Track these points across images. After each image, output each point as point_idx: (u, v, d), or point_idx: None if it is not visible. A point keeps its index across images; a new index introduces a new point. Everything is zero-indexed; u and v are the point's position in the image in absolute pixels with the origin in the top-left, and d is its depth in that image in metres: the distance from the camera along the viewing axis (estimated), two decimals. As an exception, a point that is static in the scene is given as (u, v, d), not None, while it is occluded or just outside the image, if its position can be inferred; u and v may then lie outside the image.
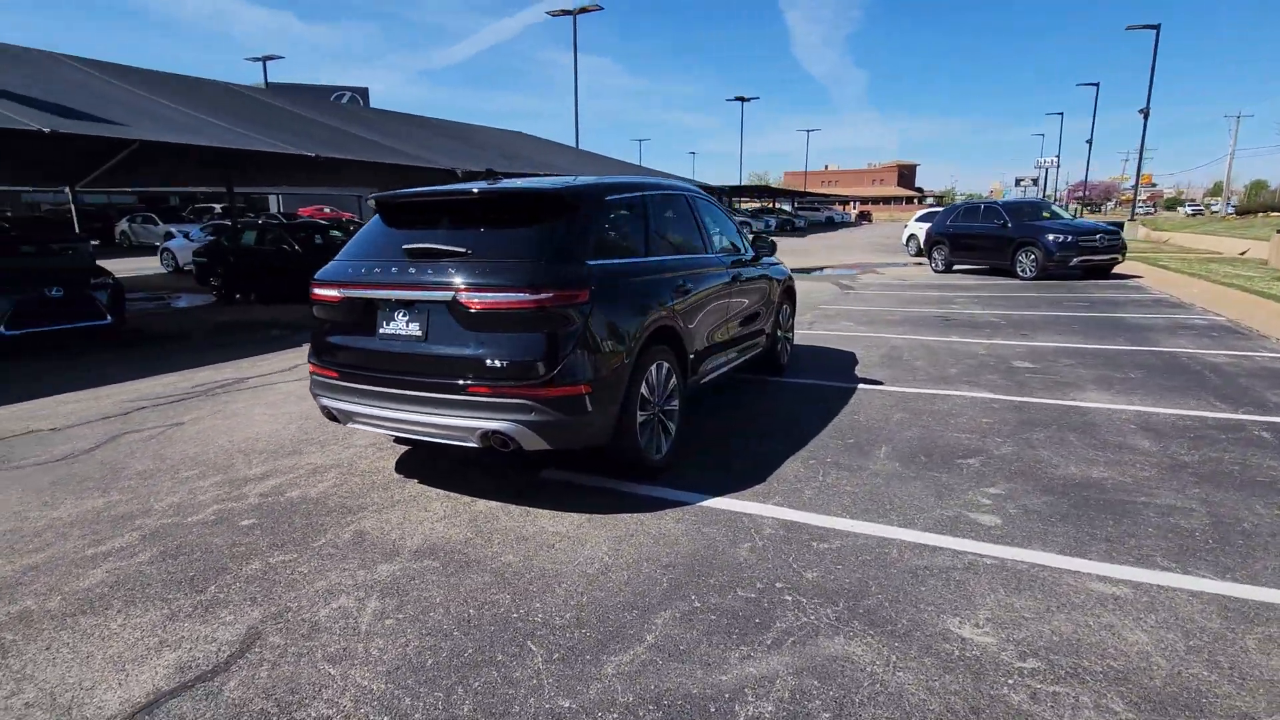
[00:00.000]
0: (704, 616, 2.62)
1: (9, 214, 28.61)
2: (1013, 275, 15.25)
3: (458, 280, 3.35)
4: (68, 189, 17.37)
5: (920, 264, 19.50)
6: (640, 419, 3.81)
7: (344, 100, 45.44)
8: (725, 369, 5.09)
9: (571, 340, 3.34)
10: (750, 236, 5.85)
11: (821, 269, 18.99)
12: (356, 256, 3.79)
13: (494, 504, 3.67)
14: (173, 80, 13.94)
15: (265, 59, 33.89)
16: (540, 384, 3.30)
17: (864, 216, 71.96)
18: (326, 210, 39.15)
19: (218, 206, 30.21)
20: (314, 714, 2.13)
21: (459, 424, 3.38)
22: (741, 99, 45.43)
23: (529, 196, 3.65)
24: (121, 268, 19.09)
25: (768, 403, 5.59)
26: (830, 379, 6.35)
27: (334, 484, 3.99)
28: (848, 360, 7.16)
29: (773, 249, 5.91)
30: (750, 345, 5.68)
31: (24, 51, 11.98)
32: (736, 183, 51.11)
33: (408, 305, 3.50)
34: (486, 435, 3.35)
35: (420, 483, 4.00)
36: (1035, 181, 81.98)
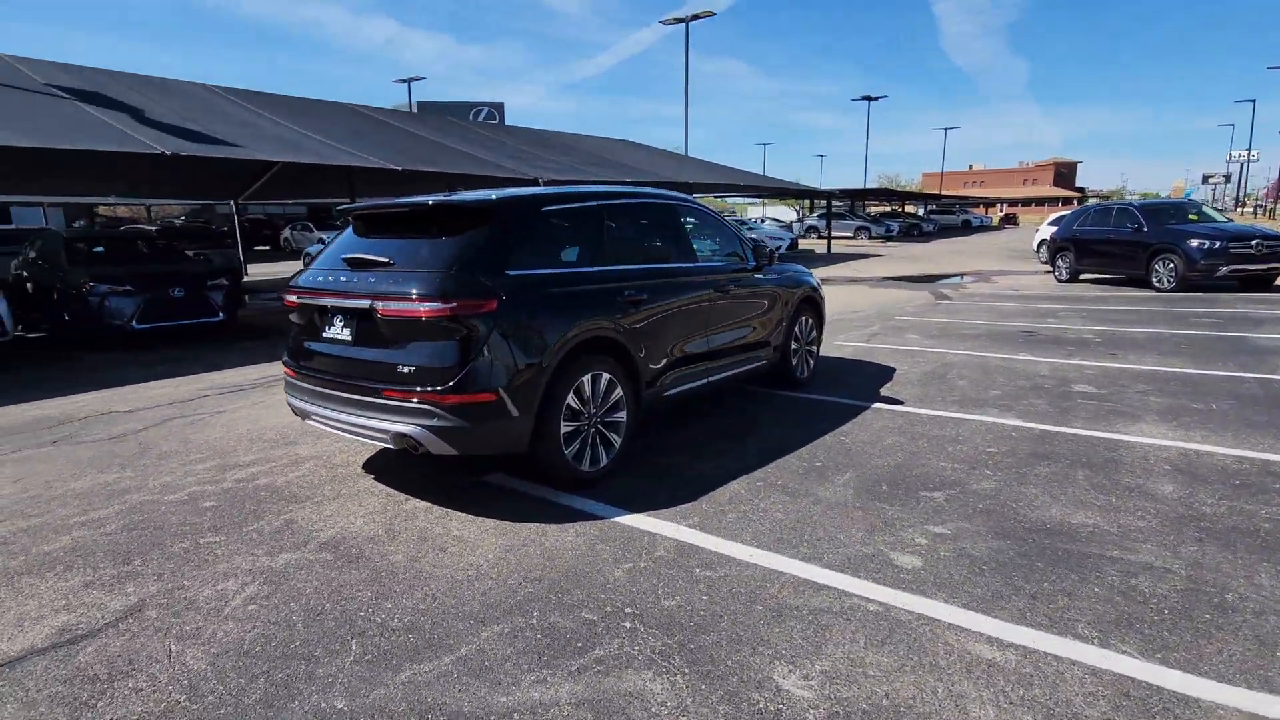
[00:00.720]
0: (529, 635, 2.58)
1: (200, 221, 33.23)
2: (1147, 286, 13.45)
3: (377, 288, 3.52)
4: (232, 202, 19.98)
5: (1049, 272, 17.71)
6: (567, 429, 3.80)
7: (481, 115, 48.62)
8: (703, 382, 4.92)
9: (476, 349, 3.41)
10: (750, 246, 5.61)
11: (931, 277, 17.75)
12: (319, 265, 4.09)
13: (422, 504, 3.82)
14: (305, 104, 15.57)
15: (409, 80, 36.97)
16: (444, 390, 3.39)
17: (1009, 220, 66.21)
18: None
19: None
20: (130, 686, 2.35)
21: (377, 425, 3.55)
22: (869, 98, 43.32)
23: (455, 208, 3.75)
24: (277, 270, 21.71)
25: (756, 417, 5.35)
26: (846, 396, 5.95)
27: (303, 474, 4.32)
28: (882, 377, 6.67)
29: (771, 258, 5.64)
30: (748, 358, 5.47)
31: (187, 84, 13.89)
32: (861, 185, 48.87)
33: (342, 312, 3.73)
34: (399, 437, 3.49)
35: (375, 479, 4.23)
36: (1227, 179, 71.44)
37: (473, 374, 3.40)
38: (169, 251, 10.38)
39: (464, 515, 3.65)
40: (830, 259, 23.62)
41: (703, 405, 5.63)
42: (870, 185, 55.39)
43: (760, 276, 5.54)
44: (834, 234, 35.70)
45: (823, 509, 3.64)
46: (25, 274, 9.95)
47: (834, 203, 35.29)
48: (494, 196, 3.81)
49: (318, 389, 3.87)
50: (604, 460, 4.06)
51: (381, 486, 4.09)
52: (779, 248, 23.50)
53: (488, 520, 3.59)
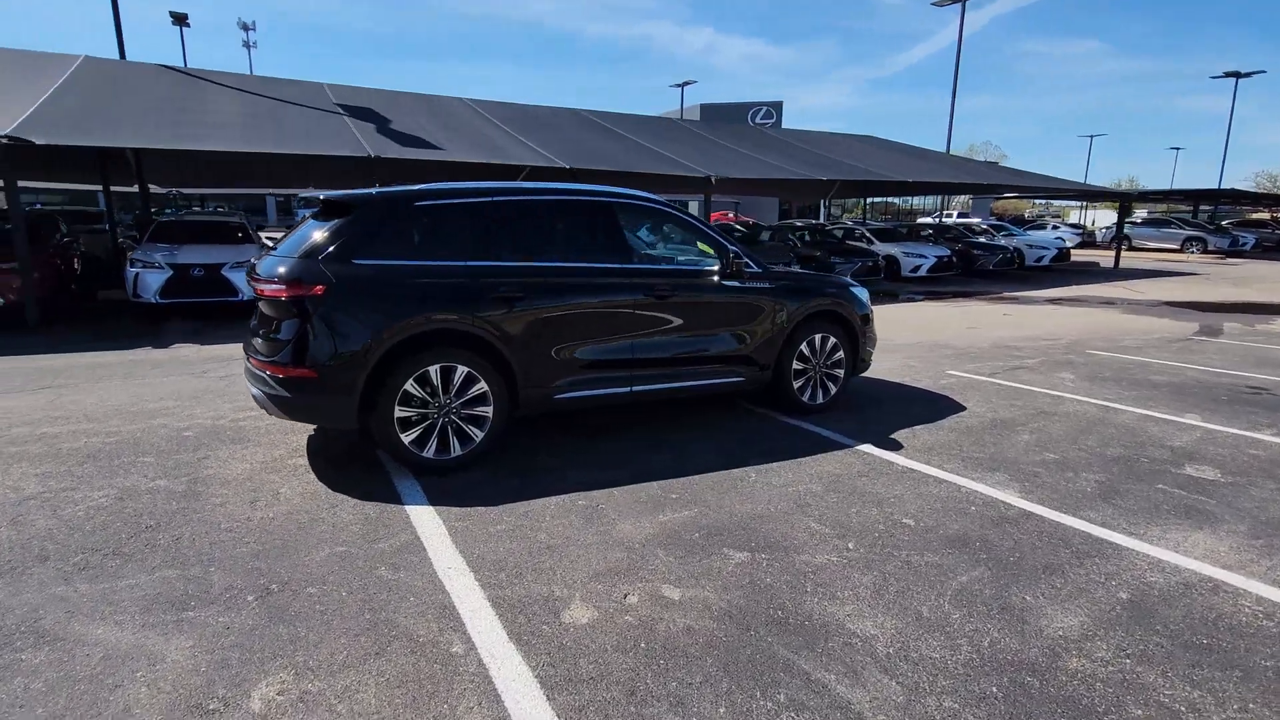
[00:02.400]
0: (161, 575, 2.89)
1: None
2: None
3: (261, 271, 4.09)
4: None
5: None
6: (405, 414, 3.98)
7: (759, 115, 49.13)
8: (623, 390, 4.65)
9: (303, 329, 3.78)
10: (730, 254, 5.03)
11: (1240, 307, 13.46)
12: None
13: (301, 462, 4.33)
14: (535, 111, 17.52)
15: (683, 85, 38.88)
16: (276, 363, 3.84)
17: None
18: (731, 215, 42.66)
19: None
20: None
21: (253, 391, 4.14)
22: (1236, 74, 33.11)
23: (338, 201, 4.13)
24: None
25: (689, 440, 4.83)
26: (843, 433, 5.05)
27: (274, 423, 5.14)
28: (927, 416, 5.48)
29: (739, 268, 4.95)
30: (712, 372, 4.99)
31: (448, 100, 16.63)
32: (1212, 184, 37.92)
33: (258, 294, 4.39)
34: (255, 399, 4.04)
35: (314, 432, 4.88)
36: None
37: (296, 350, 3.79)
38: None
39: (309, 477, 4.07)
40: (1104, 275, 19.22)
41: (643, 414, 5.29)
42: (1241, 185, 42.82)
43: (734, 284, 4.99)
44: (1152, 245, 28.92)
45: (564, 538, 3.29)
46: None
47: (1175, 209, 28.30)
48: (369, 191, 4.13)
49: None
50: (456, 450, 4.15)
51: (296, 440, 4.72)
52: (1041, 258, 19.98)
53: (312, 484, 3.96)
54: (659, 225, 5.15)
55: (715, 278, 4.95)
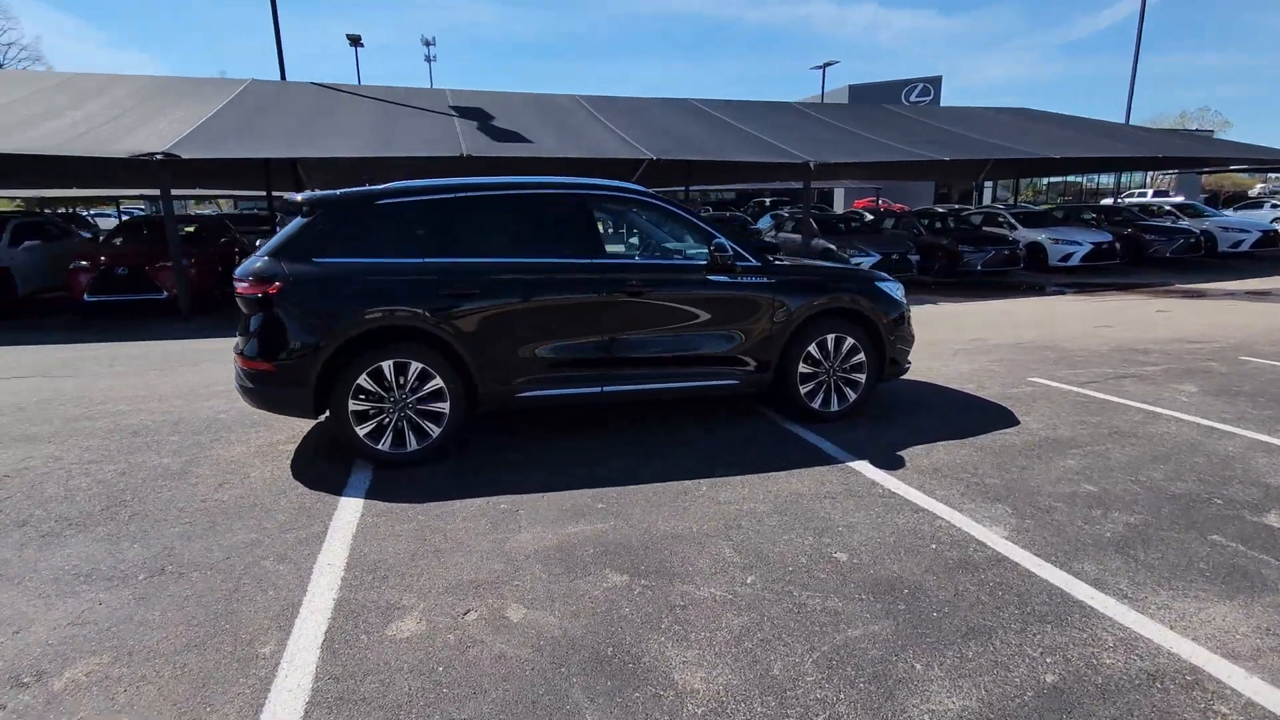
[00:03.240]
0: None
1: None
2: None
3: (235, 269, 4.37)
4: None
5: None
6: (360, 408, 4.09)
7: (914, 92, 45.83)
8: (594, 390, 4.45)
9: (262, 324, 4.01)
10: (724, 246, 4.62)
11: None
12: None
13: (291, 448, 4.60)
14: (635, 103, 17.47)
15: (824, 66, 36.91)
16: (243, 355, 4.10)
17: None
18: (880, 202, 40.10)
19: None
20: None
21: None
22: None
23: (308, 201, 4.30)
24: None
25: (665, 442, 4.51)
26: (844, 444, 4.50)
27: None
28: (965, 431, 4.73)
29: (729, 261, 4.53)
30: (701, 374, 4.67)
31: (559, 98, 17.09)
32: None
33: None
34: (238, 392, 4.35)
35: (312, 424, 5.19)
36: None
37: (257, 344, 4.02)
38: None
39: (278, 465, 4.33)
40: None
41: (649, 411, 5.02)
42: None
43: (721, 279, 4.60)
44: None
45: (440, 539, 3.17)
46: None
47: None
48: (320, 194, 4.28)
49: None
50: (413, 445, 4.20)
51: (291, 431, 5.03)
52: (1240, 243, 16.70)
53: (277, 475, 4.19)
54: (644, 217, 4.88)
55: (700, 272, 4.60)
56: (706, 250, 4.67)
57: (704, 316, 4.62)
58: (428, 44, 66.00)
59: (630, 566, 3.00)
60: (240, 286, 4.09)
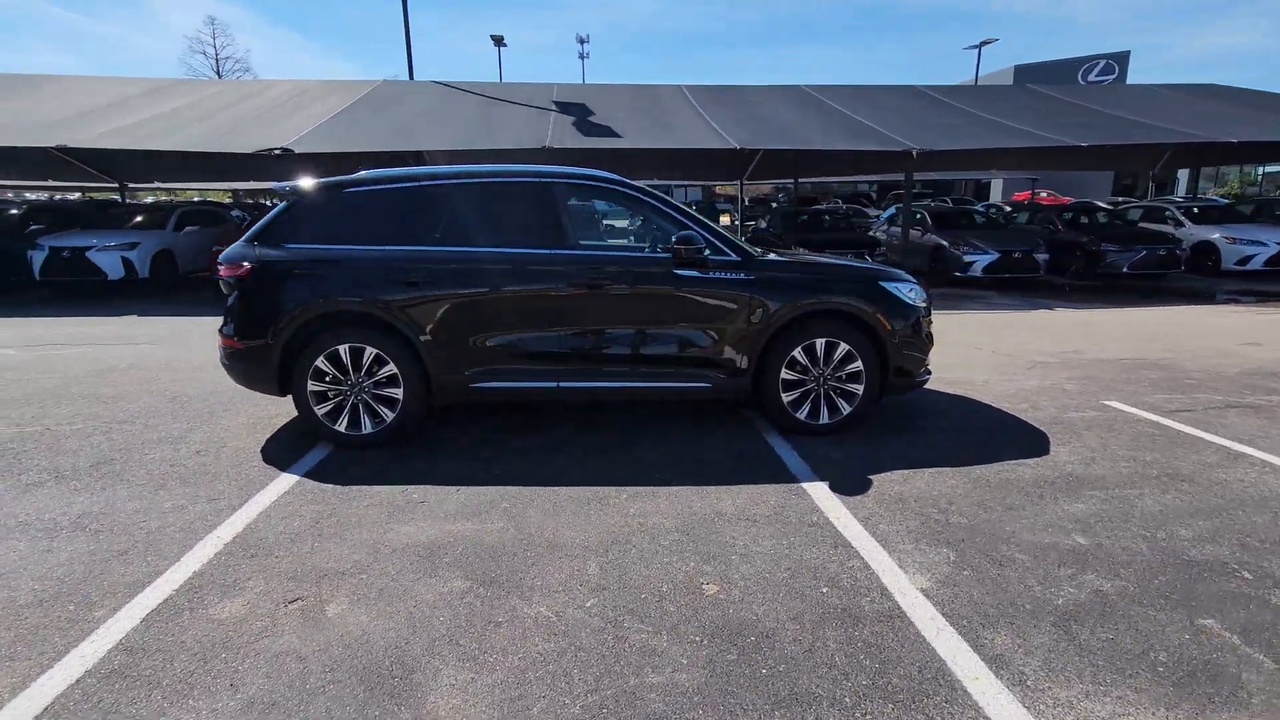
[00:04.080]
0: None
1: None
2: None
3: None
4: (739, 181, 23.33)
5: None
6: (316, 388, 4.23)
7: (1095, 70, 41.15)
8: (549, 385, 4.30)
9: (234, 304, 4.25)
10: (692, 239, 4.27)
11: None
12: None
13: (282, 422, 4.88)
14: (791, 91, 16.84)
15: (980, 45, 33.69)
16: (221, 333, 4.37)
17: None
18: (1044, 195, 36.16)
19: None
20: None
21: None
22: None
23: (292, 188, 4.48)
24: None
25: (619, 437, 4.25)
26: (811, 462, 4.02)
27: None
28: (977, 455, 4.07)
29: (697, 253, 4.16)
30: (668, 374, 4.39)
31: (651, 87, 16.94)
32: None
33: None
34: (227, 366, 4.66)
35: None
36: None
37: (230, 323, 4.28)
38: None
39: (258, 436, 4.59)
40: None
41: (638, 412, 4.77)
42: None
43: (691, 274, 4.27)
44: None
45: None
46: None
47: None
48: (311, 180, 4.43)
49: None
50: (367, 428, 4.30)
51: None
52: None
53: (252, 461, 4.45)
54: (618, 207, 4.63)
55: (666, 266, 4.29)
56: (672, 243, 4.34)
57: (670, 313, 4.32)
58: (581, 41, 68.22)
59: (481, 573, 2.85)
60: (220, 269, 4.38)
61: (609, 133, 12.61)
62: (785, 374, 4.41)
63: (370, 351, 4.22)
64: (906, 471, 3.89)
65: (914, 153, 11.42)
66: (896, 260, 15.53)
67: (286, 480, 3.84)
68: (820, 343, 4.39)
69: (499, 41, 34.25)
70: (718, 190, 40.11)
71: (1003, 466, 3.96)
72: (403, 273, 4.20)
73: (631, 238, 5.06)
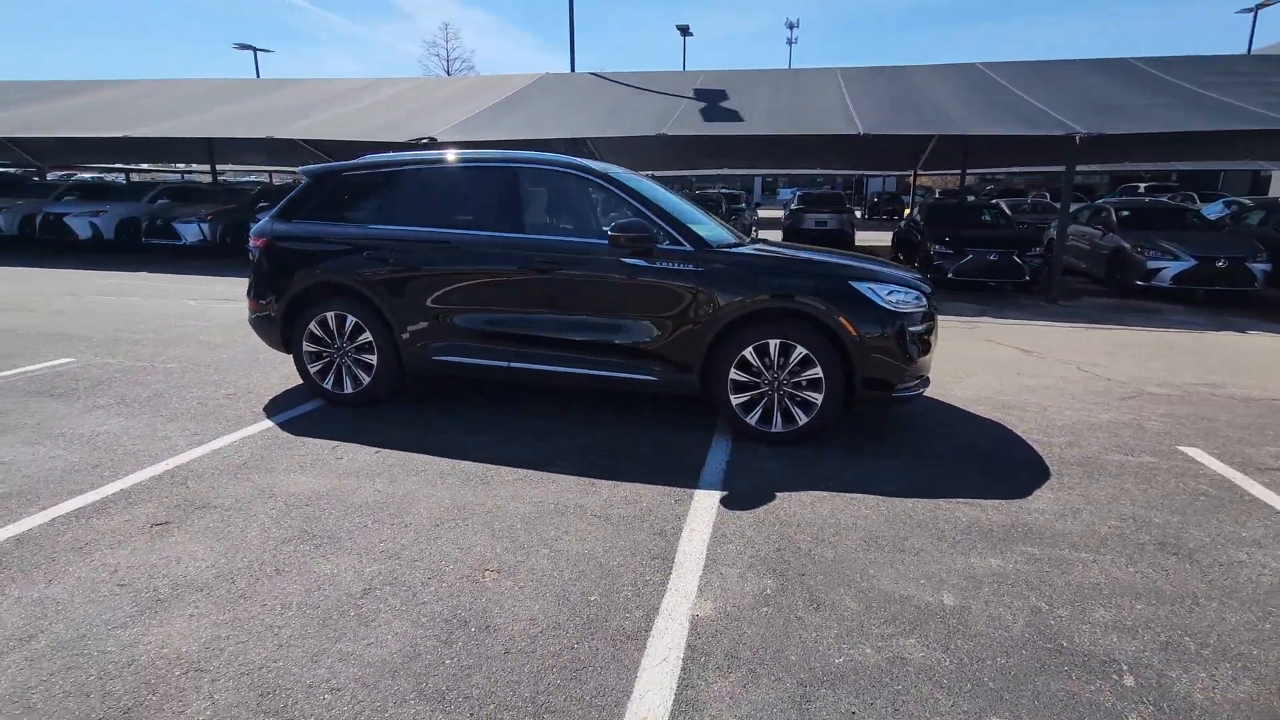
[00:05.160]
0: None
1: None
2: None
3: (255, 226, 5.32)
4: (911, 172, 21.56)
5: None
6: (309, 349, 4.76)
7: None
8: (500, 364, 4.42)
9: (254, 271, 4.89)
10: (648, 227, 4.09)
11: None
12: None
13: (308, 378, 5.53)
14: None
15: (1255, 8, 27.37)
16: (247, 295, 5.04)
17: None
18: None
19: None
20: (104, 380, 5.44)
21: None
22: None
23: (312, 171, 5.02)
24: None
25: (570, 424, 4.21)
26: (737, 470, 3.72)
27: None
28: (944, 488, 3.51)
29: (647, 242, 3.98)
30: (614, 365, 4.30)
31: (805, 71, 16.11)
32: None
33: None
34: (260, 324, 5.36)
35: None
36: None
37: (252, 287, 4.94)
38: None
39: (280, 371, 5.25)
40: None
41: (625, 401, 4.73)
42: None
43: (637, 263, 4.13)
44: None
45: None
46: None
47: None
48: (322, 164, 4.93)
49: None
50: (348, 388, 4.75)
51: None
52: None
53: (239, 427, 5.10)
54: (580, 192, 4.54)
55: (613, 253, 4.18)
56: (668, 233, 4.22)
57: (615, 302, 4.23)
58: (791, 27, 67.01)
59: (312, 528, 3.07)
60: (250, 240, 5.06)
61: (734, 118, 12.32)
62: (735, 374, 4.12)
63: (351, 320, 4.65)
64: (824, 494, 3.46)
65: (1076, 138, 9.74)
66: (1066, 263, 13.50)
67: (261, 426, 4.39)
68: (774, 344, 4.03)
69: (684, 31, 34.68)
70: (911, 181, 37.36)
71: (947, 504, 3.37)
72: (376, 250, 4.56)
73: (572, 221, 5.03)
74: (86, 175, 26.97)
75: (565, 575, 2.70)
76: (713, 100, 13.55)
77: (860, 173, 39.12)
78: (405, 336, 4.58)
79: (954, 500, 3.42)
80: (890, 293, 4.01)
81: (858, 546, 2.96)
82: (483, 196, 4.56)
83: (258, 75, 31.82)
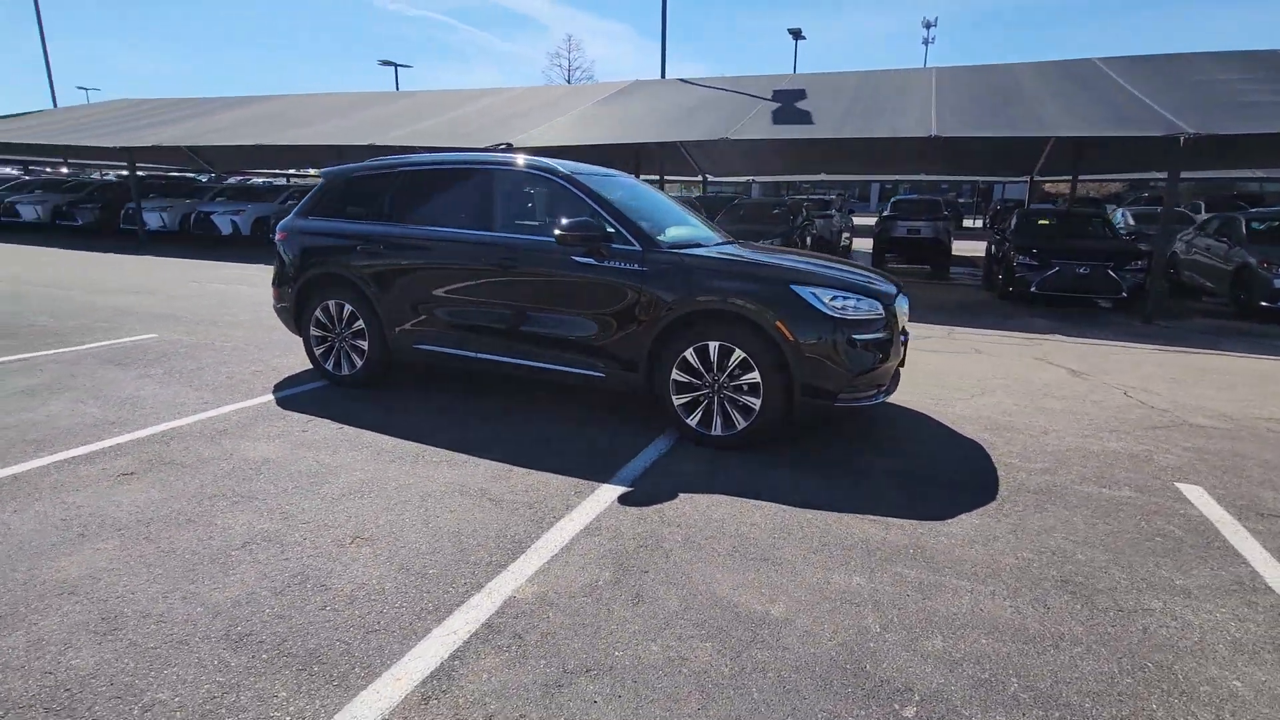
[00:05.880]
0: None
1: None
2: None
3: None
4: (1026, 177, 20.06)
5: None
6: (316, 333, 5.24)
7: None
8: (470, 355, 4.66)
9: (276, 261, 5.45)
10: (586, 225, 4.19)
11: None
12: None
13: (331, 361, 6.07)
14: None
15: None
16: (272, 285, 5.60)
17: None
18: None
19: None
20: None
21: None
22: None
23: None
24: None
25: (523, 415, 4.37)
26: (653, 469, 3.74)
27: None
28: (866, 504, 3.38)
29: (599, 242, 4.09)
30: (565, 359, 4.43)
31: (995, 66, 15.35)
32: None
33: None
34: (289, 311, 5.94)
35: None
36: None
37: (275, 276, 5.50)
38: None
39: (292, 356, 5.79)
40: None
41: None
42: None
43: (586, 260, 4.23)
44: None
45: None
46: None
47: None
48: (338, 166, 5.40)
49: None
50: (344, 370, 5.19)
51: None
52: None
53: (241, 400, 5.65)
54: (551, 192, 4.66)
55: (553, 253, 4.34)
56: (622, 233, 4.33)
57: (567, 299, 4.36)
58: (928, 26, 63.85)
59: (240, 482, 3.42)
60: (275, 234, 5.63)
61: (805, 120, 12.03)
62: (677, 375, 4.12)
63: (347, 308, 5.08)
64: (727, 499, 3.41)
65: (1181, 138, 8.69)
66: (1189, 280, 12.09)
67: (262, 399, 4.90)
68: (713, 346, 3.99)
69: (796, 35, 34.02)
70: (1029, 187, 34.65)
71: (849, 520, 3.22)
72: (368, 245, 4.96)
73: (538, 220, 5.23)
74: (258, 180, 30.52)
75: (420, 549, 2.87)
76: (787, 102, 13.29)
77: (984, 178, 36.65)
78: (390, 325, 4.94)
79: (861, 516, 3.26)
80: (834, 298, 3.86)
81: (724, 551, 2.91)
82: (458, 197, 4.84)
83: (397, 88, 34.69)
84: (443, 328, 4.78)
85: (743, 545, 2.97)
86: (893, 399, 5.23)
